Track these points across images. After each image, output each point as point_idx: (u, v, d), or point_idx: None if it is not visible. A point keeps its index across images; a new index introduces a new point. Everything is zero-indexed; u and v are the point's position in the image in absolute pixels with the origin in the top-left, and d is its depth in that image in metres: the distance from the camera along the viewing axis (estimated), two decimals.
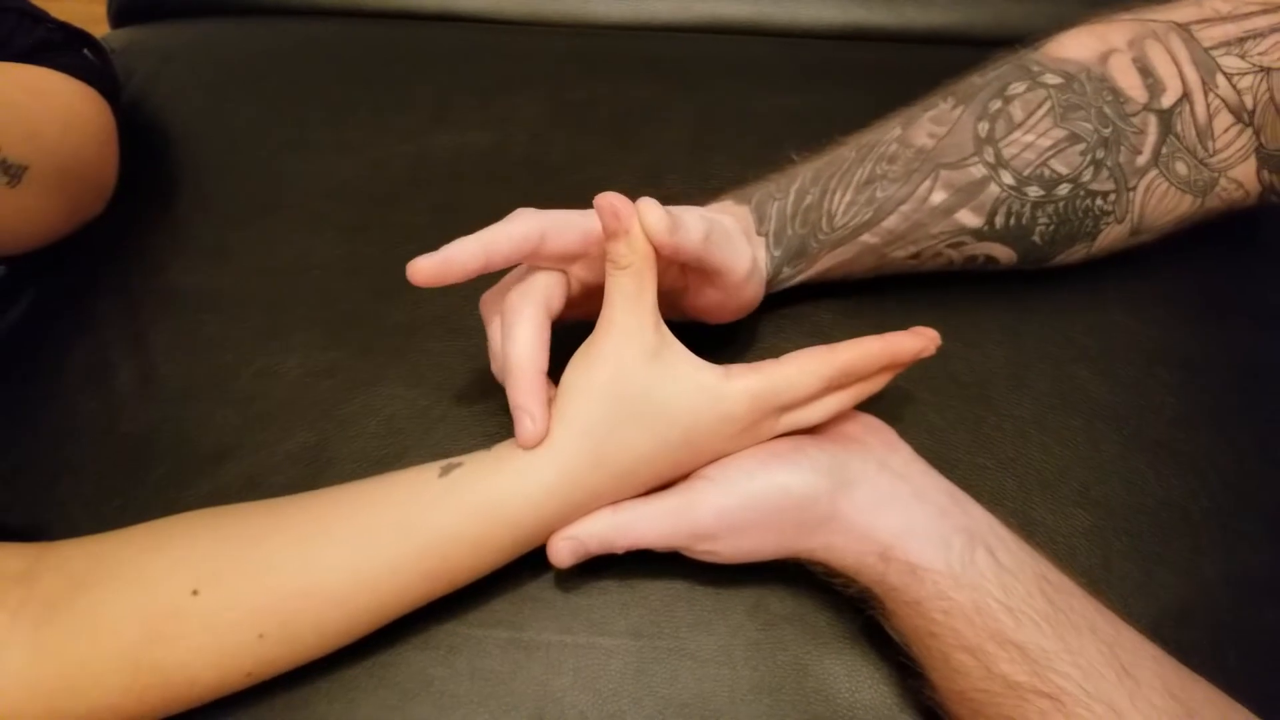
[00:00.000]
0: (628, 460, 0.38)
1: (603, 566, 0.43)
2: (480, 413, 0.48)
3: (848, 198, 0.44)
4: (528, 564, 0.43)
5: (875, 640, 0.42)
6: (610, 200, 0.36)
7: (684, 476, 0.40)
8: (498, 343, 0.41)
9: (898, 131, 0.45)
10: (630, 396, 0.37)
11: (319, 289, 0.52)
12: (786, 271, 0.46)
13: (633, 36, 0.64)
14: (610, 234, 0.37)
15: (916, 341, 0.41)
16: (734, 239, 0.41)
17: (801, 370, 0.39)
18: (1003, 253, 0.45)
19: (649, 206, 0.37)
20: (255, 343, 0.50)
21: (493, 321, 0.42)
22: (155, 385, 0.49)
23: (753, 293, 0.44)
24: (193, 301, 0.52)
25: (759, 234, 0.45)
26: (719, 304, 0.44)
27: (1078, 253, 0.46)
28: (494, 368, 0.42)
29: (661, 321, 0.39)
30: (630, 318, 0.38)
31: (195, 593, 0.37)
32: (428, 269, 0.38)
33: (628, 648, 0.42)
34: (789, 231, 0.45)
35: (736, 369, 0.39)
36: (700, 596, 0.43)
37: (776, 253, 0.45)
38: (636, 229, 0.37)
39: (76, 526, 0.44)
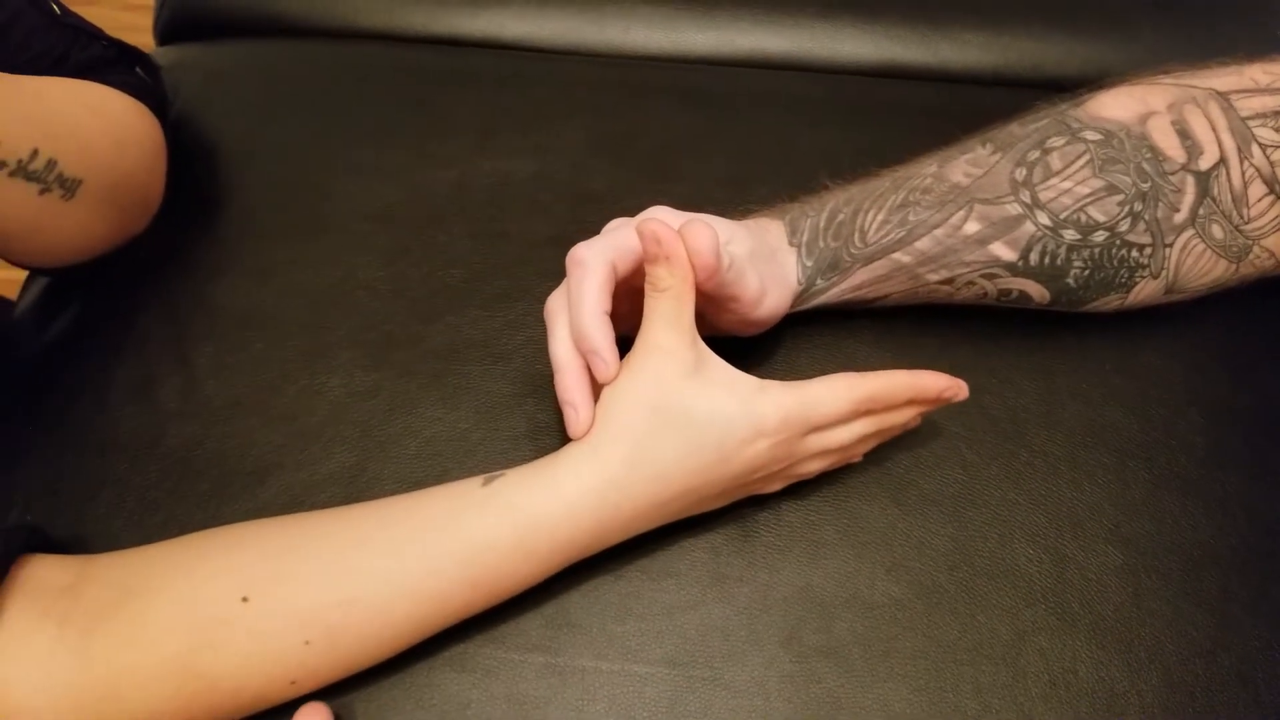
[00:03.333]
0: (661, 464, 0.39)
1: (638, 594, 0.44)
2: (519, 437, 0.48)
3: (880, 217, 0.45)
4: (564, 589, 0.44)
5: (910, 676, 0.42)
6: (652, 227, 0.38)
7: (718, 491, 0.42)
8: (557, 347, 0.42)
9: (934, 168, 0.46)
10: (668, 408, 0.39)
11: (362, 310, 0.52)
12: (820, 283, 0.47)
13: (673, 68, 0.65)
14: (650, 259, 0.39)
15: (941, 380, 0.43)
16: (745, 268, 0.42)
17: (831, 391, 0.41)
18: (1036, 290, 0.46)
19: (701, 233, 0.38)
20: (298, 362, 0.51)
21: (557, 325, 0.42)
22: (199, 401, 0.49)
23: (768, 311, 0.45)
24: (237, 319, 0.52)
25: (791, 244, 0.46)
26: (734, 324, 0.45)
27: (1112, 302, 0.46)
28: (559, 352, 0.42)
29: (699, 338, 0.40)
30: (669, 337, 0.39)
31: (245, 600, 0.38)
32: (586, 418, 0.40)
33: (662, 676, 0.43)
34: (821, 244, 0.46)
35: (771, 384, 0.40)
36: (735, 627, 0.43)
37: (809, 263, 0.46)
38: (678, 253, 0.38)
39: (118, 540, 0.45)
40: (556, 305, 0.42)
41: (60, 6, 0.53)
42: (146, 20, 0.72)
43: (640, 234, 0.39)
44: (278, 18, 0.67)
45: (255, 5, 0.67)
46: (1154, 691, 0.42)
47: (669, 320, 0.39)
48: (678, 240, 0.38)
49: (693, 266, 0.39)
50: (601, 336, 0.39)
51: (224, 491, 0.47)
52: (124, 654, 0.37)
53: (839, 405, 0.41)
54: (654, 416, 0.39)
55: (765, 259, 0.45)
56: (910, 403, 0.43)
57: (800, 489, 0.46)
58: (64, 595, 0.39)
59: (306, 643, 0.38)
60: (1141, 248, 0.44)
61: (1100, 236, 0.43)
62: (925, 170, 0.46)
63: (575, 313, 0.40)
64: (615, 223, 0.43)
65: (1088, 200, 0.43)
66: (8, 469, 0.48)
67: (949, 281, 0.46)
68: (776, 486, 0.45)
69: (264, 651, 0.38)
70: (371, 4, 0.66)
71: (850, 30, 0.65)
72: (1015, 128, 0.46)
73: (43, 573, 0.40)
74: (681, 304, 0.39)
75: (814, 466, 0.44)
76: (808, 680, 0.42)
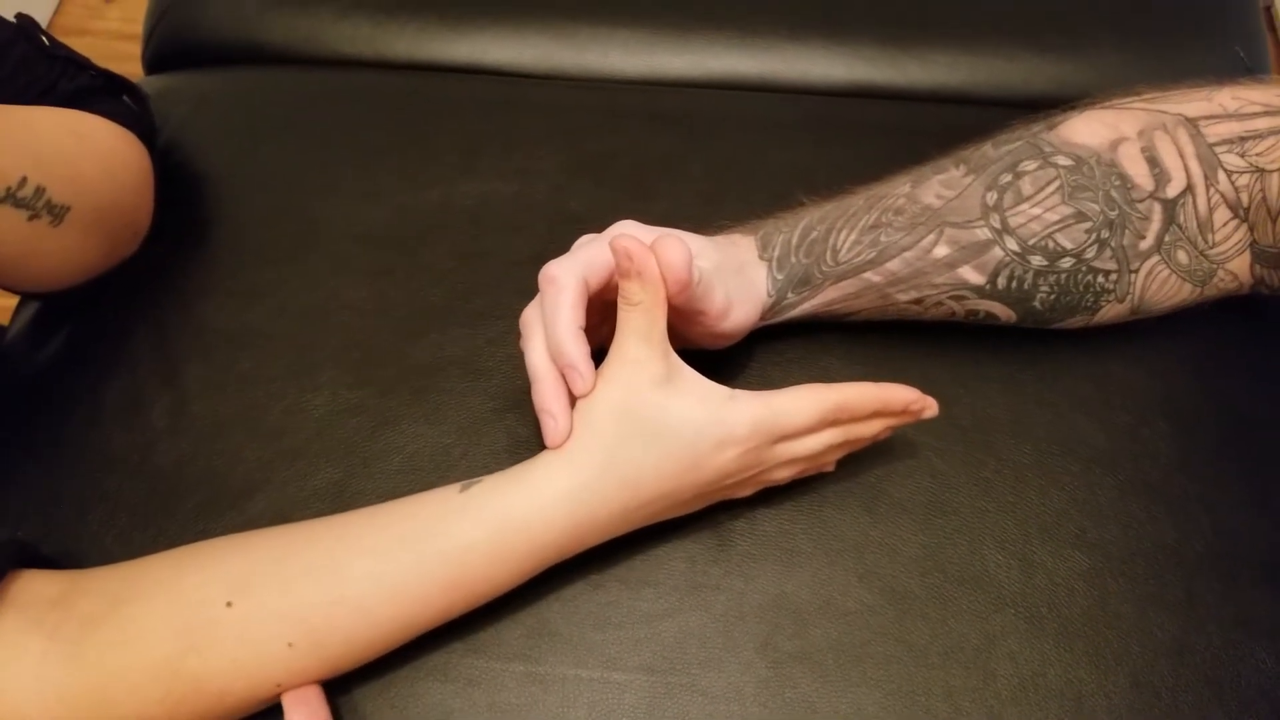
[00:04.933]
0: (634, 470, 0.40)
1: (617, 603, 0.45)
2: (500, 451, 0.49)
3: (852, 237, 0.46)
4: (544, 599, 0.45)
5: (882, 681, 0.43)
6: (625, 243, 0.39)
7: (689, 496, 0.42)
8: (534, 358, 0.43)
9: (907, 188, 0.47)
10: (640, 417, 0.40)
11: (346, 329, 0.53)
12: (791, 297, 0.48)
13: (649, 91, 0.66)
14: (623, 274, 0.39)
15: (908, 394, 0.44)
16: (712, 282, 0.43)
17: (798, 401, 0.42)
18: (1003, 311, 0.47)
19: (673, 248, 0.39)
20: (284, 380, 0.52)
21: (532, 337, 0.43)
22: (187, 420, 0.50)
23: (734, 324, 0.46)
24: (224, 339, 0.53)
25: (762, 259, 0.47)
26: (701, 336, 0.46)
27: (1077, 322, 0.47)
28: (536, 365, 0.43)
29: (670, 350, 0.41)
30: (642, 350, 0.40)
31: (229, 604, 0.39)
32: (564, 427, 0.41)
33: (640, 683, 0.43)
34: (793, 259, 0.47)
35: (741, 393, 0.41)
36: (712, 634, 0.44)
37: (779, 276, 0.47)
38: (651, 269, 0.39)
39: (110, 555, 0.45)
40: (531, 318, 0.43)
41: (49, 38, 0.54)
42: (136, 49, 0.73)
43: (613, 249, 0.39)
44: (264, 46, 0.68)
45: (242, 34, 0.69)
46: (1121, 692, 0.43)
47: (641, 334, 0.40)
48: (650, 256, 0.39)
49: (664, 281, 0.40)
50: (577, 352, 0.40)
51: (212, 507, 0.48)
52: (113, 659, 0.38)
53: (806, 415, 0.42)
54: (626, 425, 0.40)
55: (732, 273, 0.46)
56: (877, 414, 0.44)
57: (774, 498, 0.47)
58: (54, 607, 0.40)
59: (290, 645, 0.39)
60: (1107, 273, 0.45)
61: (1067, 263, 0.44)
62: (899, 190, 0.47)
63: (551, 329, 0.41)
64: (585, 239, 0.45)
65: (1056, 227, 0.44)
66: (1, 488, 0.49)
67: (918, 301, 0.47)
68: (748, 492, 0.46)
69: (249, 654, 0.39)
70: (355, 32, 0.68)
71: (820, 52, 0.67)
72: (989, 149, 0.46)
73: (34, 586, 0.41)
74: (653, 318, 0.40)
75: (783, 474, 0.45)
76: (783, 685, 0.43)
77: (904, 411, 0.44)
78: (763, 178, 0.59)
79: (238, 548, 0.42)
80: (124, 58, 0.57)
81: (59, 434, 0.51)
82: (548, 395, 0.41)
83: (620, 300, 0.40)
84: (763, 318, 0.48)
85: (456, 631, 0.44)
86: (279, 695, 0.40)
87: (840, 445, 0.44)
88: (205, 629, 0.39)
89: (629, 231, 0.43)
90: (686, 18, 0.67)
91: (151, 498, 0.48)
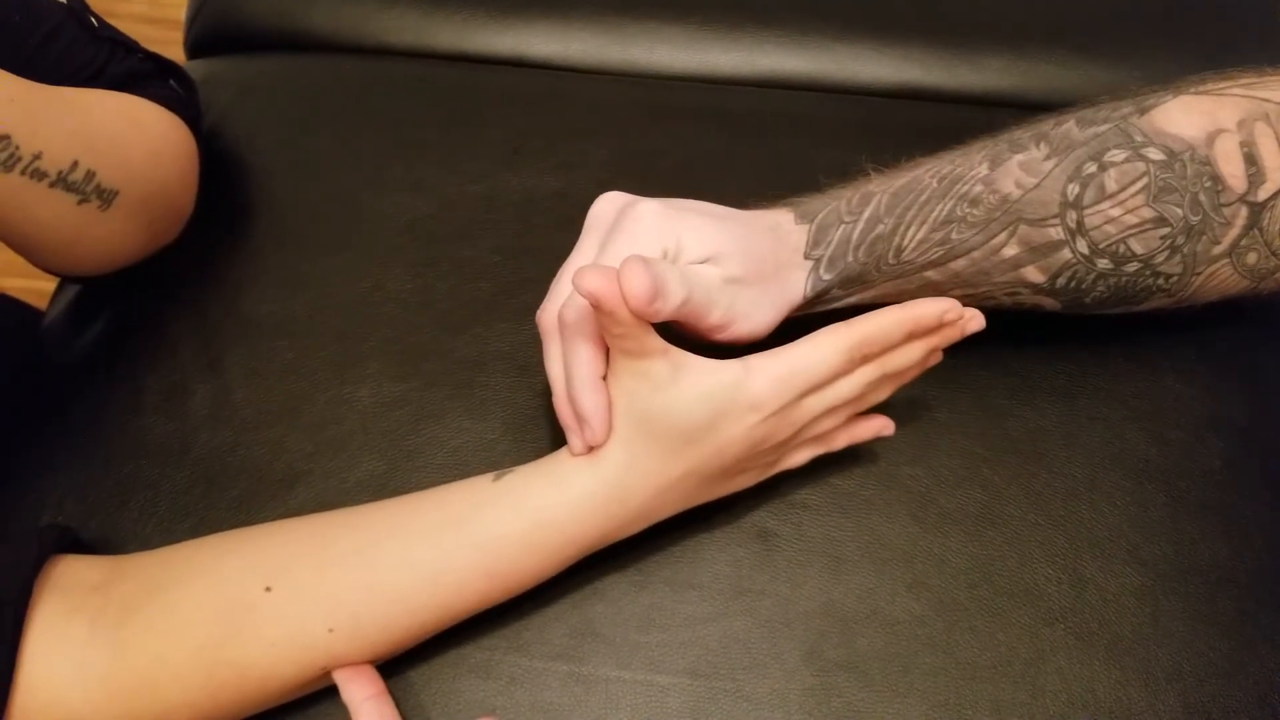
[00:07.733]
0: (657, 463, 0.40)
1: (661, 605, 0.45)
2: (544, 449, 0.48)
3: (920, 235, 0.44)
4: (588, 599, 0.45)
5: (929, 693, 0.43)
6: (590, 286, 0.35)
7: (719, 470, 0.41)
8: (553, 366, 0.42)
9: (983, 170, 0.44)
10: (651, 423, 0.39)
11: (391, 321, 0.53)
12: (836, 293, 0.46)
13: (697, 88, 0.65)
14: (596, 309, 0.37)
15: (938, 305, 0.41)
16: (711, 299, 0.40)
17: (816, 349, 0.40)
18: (1050, 304, 0.46)
19: (632, 275, 0.35)
20: (328, 371, 0.51)
21: (551, 344, 0.43)
22: (230, 409, 0.50)
23: (734, 336, 0.43)
24: (268, 329, 0.53)
25: (808, 257, 0.45)
26: (697, 341, 0.43)
27: (1118, 311, 0.46)
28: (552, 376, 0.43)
29: (669, 350, 0.39)
30: (637, 364, 0.39)
31: (268, 589, 0.39)
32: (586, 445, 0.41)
33: (684, 687, 0.43)
34: (849, 258, 0.44)
35: (754, 358, 0.39)
36: (757, 639, 0.44)
37: (827, 276, 0.45)
38: (621, 311, 0.36)
39: (149, 544, 0.45)
40: (548, 326, 0.42)
41: (98, 19, 0.54)
42: (167, 34, 0.73)
43: (582, 293, 0.36)
44: (309, 33, 0.68)
45: (286, 21, 0.68)
46: (1171, 712, 0.42)
47: (632, 353, 0.38)
48: (616, 296, 0.35)
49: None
50: (593, 404, 0.39)
51: (254, 498, 0.48)
52: (154, 645, 0.38)
53: (829, 361, 0.40)
54: (641, 431, 0.39)
55: (759, 278, 0.42)
56: (911, 337, 0.42)
57: (820, 504, 0.47)
58: (95, 592, 0.40)
59: (330, 630, 0.39)
60: (1169, 276, 0.43)
61: (1133, 267, 0.43)
62: (974, 172, 0.44)
63: (571, 378, 0.40)
64: (588, 242, 0.44)
65: (1132, 232, 0.42)
66: (41, 475, 0.49)
67: (970, 296, 0.46)
68: (803, 457, 0.44)
69: (289, 638, 0.39)
70: (401, 22, 0.67)
71: (870, 53, 0.66)
72: (1073, 127, 0.43)
73: (74, 571, 0.41)
74: (641, 340, 0.38)
75: (828, 423, 0.43)
76: (828, 694, 0.43)
77: (940, 325, 0.41)
78: (810, 177, 0.57)
79: (277, 534, 0.42)
80: (151, 42, 0.55)
81: (99, 420, 0.51)
82: (570, 414, 0.41)
83: (604, 331, 0.39)
84: (794, 312, 0.45)
85: (499, 630, 0.43)
86: (323, 679, 0.40)
87: (882, 380, 0.42)
88: (245, 614, 0.39)
89: (601, 212, 0.44)
90: (736, 14, 0.67)
91: (192, 487, 0.48)
